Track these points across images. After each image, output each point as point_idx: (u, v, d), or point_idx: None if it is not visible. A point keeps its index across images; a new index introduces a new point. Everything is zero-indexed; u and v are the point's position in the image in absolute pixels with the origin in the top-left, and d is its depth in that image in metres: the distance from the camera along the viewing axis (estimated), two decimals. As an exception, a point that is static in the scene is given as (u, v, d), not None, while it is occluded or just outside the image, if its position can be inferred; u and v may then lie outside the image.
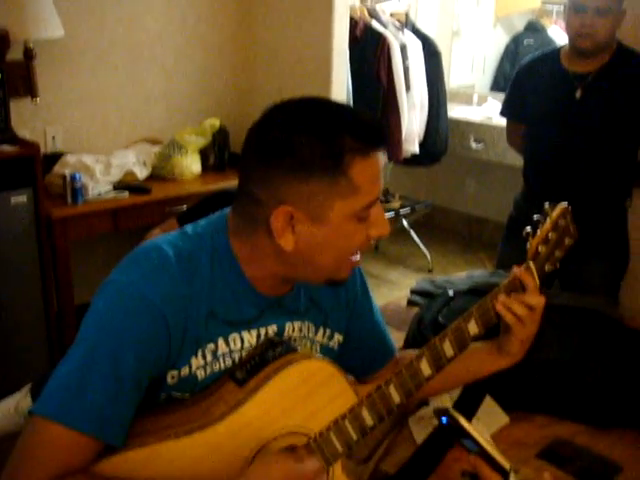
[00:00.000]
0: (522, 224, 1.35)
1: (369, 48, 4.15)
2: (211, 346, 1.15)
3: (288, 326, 1.24)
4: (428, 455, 1.56)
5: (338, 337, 1.35)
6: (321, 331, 1.31)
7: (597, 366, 1.76)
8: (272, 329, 1.22)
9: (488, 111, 4.68)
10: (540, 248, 1.30)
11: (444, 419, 0.87)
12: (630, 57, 2.60)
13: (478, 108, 4.87)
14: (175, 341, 1.10)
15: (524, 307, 1.25)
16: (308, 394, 1.14)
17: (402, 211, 4.48)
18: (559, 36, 5.10)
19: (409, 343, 1.91)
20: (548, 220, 1.31)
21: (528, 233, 1.31)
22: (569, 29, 2.57)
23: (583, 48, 2.54)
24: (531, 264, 1.28)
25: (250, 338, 1.19)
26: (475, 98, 5.02)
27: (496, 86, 5.40)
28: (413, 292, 2.35)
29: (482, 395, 1.65)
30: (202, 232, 1.19)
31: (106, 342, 1.06)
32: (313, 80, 3.75)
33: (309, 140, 1.07)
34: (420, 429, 1.66)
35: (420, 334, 1.85)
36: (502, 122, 4.18)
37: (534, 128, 2.76)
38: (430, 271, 4.45)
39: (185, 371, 1.13)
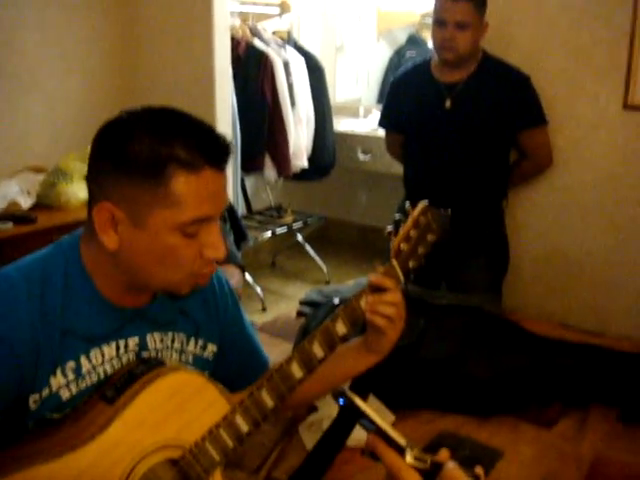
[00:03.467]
0: None
1: (252, 66, 4.18)
2: (71, 364, 1.13)
3: (150, 337, 1.23)
4: (319, 458, 1.58)
5: (212, 347, 1.35)
6: (193, 341, 1.31)
7: (478, 359, 1.83)
8: (133, 341, 1.21)
9: (374, 123, 4.78)
10: (402, 246, 1.33)
11: (341, 400, 0.88)
12: (495, 66, 2.72)
13: (364, 121, 4.97)
14: (28, 366, 1.08)
15: (388, 306, 1.27)
16: (179, 406, 1.14)
17: (295, 225, 4.52)
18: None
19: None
20: (409, 218, 1.35)
21: (390, 232, 1.34)
22: (433, 42, 2.68)
23: (446, 59, 2.65)
24: (394, 262, 1.32)
25: (110, 351, 1.17)
26: (361, 111, 5.12)
27: (382, 98, 5.53)
28: (302, 303, 2.38)
29: (365, 395, 1.68)
30: (57, 248, 1.18)
31: None
32: (196, 100, 3.75)
33: (140, 143, 1.07)
34: (310, 435, 1.68)
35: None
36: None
37: (410, 137, 2.86)
38: (327, 283, 4.50)
39: (46, 392, 1.11)
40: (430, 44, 5.43)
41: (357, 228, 5.24)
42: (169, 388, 1.13)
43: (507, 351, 1.87)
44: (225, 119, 3.89)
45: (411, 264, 1.35)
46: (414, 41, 5.59)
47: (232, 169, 4.02)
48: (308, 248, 4.71)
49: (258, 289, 4.22)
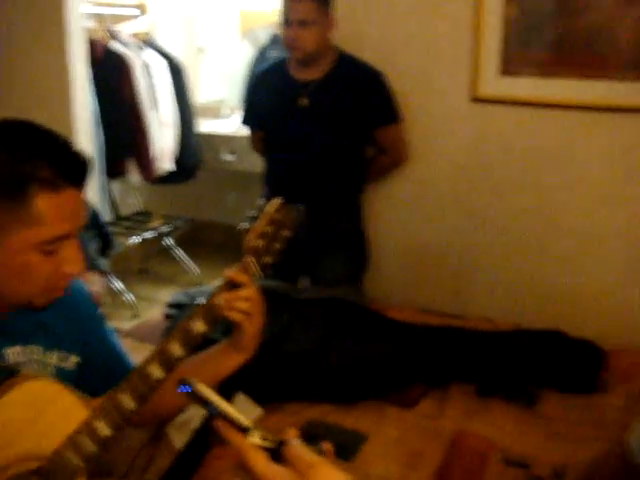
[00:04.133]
0: None
1: (111, 69, 4.08)
2: None
3: (9, 351, 1.20)
4: (189, 457, 1.59)
5: (74, 358, 1.33)
6: (53, 354, 1.29)
7: (341, 349, 1.89)
8: None
9: (238, 123, 4.80)
10: (257, 242, 1.36)
11: (184, 387, 0.89)
12: (352, 64, 2.80)
13: (228, 121, 4.98)
14: None
15: (245, 302, 1.29)
16: (35, 416, 1.12)
17: (163, 229, 4.46)
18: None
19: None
20: (263, 215, 1.38)
21: (245, 229, 1.37)
22: (283, 41, 2.74)
23: (296, 58, 2.71)
24: (249, 258, 1.34)
25: None
26: (225, 111, 5.12)
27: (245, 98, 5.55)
28: (169, 306, 2.37)
29: (231, 392, 1.70)
30: None
31: None
32: (53, 107, 3.64)
33: (1, 161, 1.05)
34: (180, 435, 1.68)
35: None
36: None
37: (269, 134, 2.90)
38: (199, 285, 4.47)
39: None
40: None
41: (226, 228, 5.24)
42: (23, 398, 1.11)
43: (369, 339, 1.94)
44: (83, 126, 3.79)
45: (267, 260, 1.38)
46: (277, 40, 5.63)
47: (95, 175, 3.93)
48: (178, 252, 4.67)
49: (129, 296, 4.14)
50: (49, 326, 1.29)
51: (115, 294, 4.11)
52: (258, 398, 1.77)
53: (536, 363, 2.06)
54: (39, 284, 1.13)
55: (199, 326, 1.27)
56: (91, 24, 4.12)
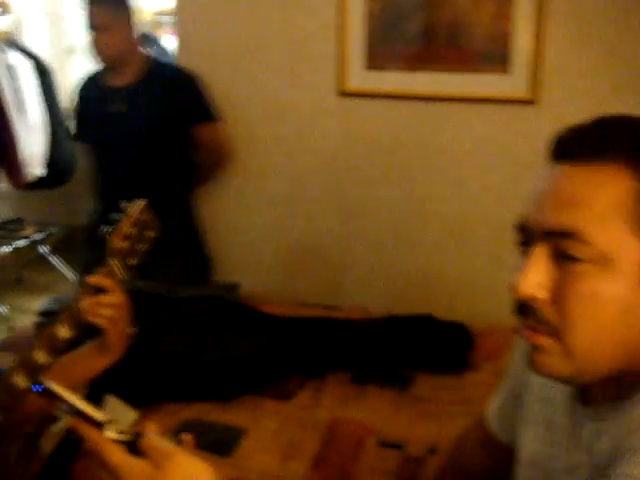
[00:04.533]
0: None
1: (-29, 72, 3.92)
2: None
3: None
4: (56, 463, 1.56)
5: None
6: None
7: (216, 346, 1.90)
8: None
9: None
10: (121, 244, 1.35)
11: (37, 387, 0.88)
12: (163, 67, 2.89)
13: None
14: None
15: (109, 308, 1.28)
16: None
17: (36, 237, 4.33)
18: (172, 45, 5.29)
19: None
20: (126, 217, 1.37)
21: (107, 232, 1.36)
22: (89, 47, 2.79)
23: (103, 63, 2.79)
24: (113, 261, 1.33)
25: None
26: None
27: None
28: (40, 313, 2.30)
29: (100, 396, 1.68)
30: None
31: None
32: None
33: None
34: (49, 441, 1.64)
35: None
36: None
37: (94, 143, 2.96)
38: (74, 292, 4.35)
39: None
40: (165, 41, 5.47)
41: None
42: None
43: (244, 334, 1.96)
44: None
45: (132, 261, 1.37)
46: (147, 39, 5.55)
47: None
48: (54, 259, 4.53)
49: (2, 308, 3.99)
50: None
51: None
52: (134, 401, 1.75)
53: (408, 347, 2.14)
54: None
55: (63, 332, 1.26)
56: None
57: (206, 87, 2.85)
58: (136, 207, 1.39)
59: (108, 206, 2.91)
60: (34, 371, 1.23)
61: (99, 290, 1.30)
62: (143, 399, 1.78)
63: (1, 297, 4.08)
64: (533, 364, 0.85)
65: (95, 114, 2.89)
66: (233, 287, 2.44)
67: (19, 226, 4.35)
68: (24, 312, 4.18)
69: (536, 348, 0.83)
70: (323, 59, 2.85)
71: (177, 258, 2.83)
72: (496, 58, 2.66)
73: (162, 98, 2.77)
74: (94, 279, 1.29)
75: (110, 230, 1.36)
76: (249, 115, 2.98)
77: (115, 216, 1.38)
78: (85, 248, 3.01)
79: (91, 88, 2.94)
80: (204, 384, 1.84)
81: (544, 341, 0.82)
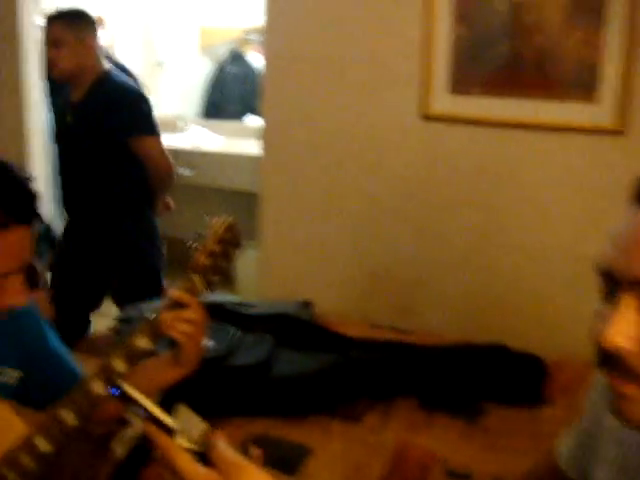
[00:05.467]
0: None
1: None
2: None
3: None
4: (130, 464, 1.60)
5: (13, 373, 1.33)
6: None
7: (286, 362, 1.91)
8: None
9: (194, 138, 4.82)
10: (204, 260, 1.37)
11: (113, 390, 0.91)
12: (110, 83, 3.02)
13: (185, 135, 4.99)
14: None
15: (187, 324, 1.31)
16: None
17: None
18: (259, 62, 5.39)
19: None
20: (211, 233, 1.40)
21: (193, 246, 1.39)
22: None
23: (56, 77, 3.02)
24: (194, 277, 1.36)
25: None
26: (182, 126, 5.13)
27: (204, 113, 5.57)
28: (119, 320, 2.37)
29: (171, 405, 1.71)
30: None
31: None
32: (7, 124, 3.63)
33: None
34: (121, 445, 1.68)
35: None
36: (210, 147, 4.37)
37: (55, 153, 3.22)
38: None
39: None
40: (250, 58, 5.58)
41: (181, 244, 5.21)
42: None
43: (315, 352, 1.97)
44: (37, 144, 3.81)
45: (214, 278, 1.40)
46: (236, 57, 5.68)
47: (50, 188, 3.91)
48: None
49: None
50: None
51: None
52: (202, 412, 1.77)
53: (480, 376, 2.11)
54: None
55: (143, 342, 1.30)
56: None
57: (149, 105, 3.10)
58: (221, 223, 1.42)
59: (71, 214, 3.15)
60: (112, 379, 1.27)
61: (179, 304, 1.33)
62: (212, 411, 1.80)
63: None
64: (619, 412, 0.82)
65: (55, 126, 3.16)
66: (306, 305, 2.45)
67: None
68: (101, 315, 4.28)
69: (622, 396, 0.81)
70: (406, 81, 2.85)
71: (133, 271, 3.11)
72: (584, 86, 2.61)
73: (102, 112, 2.93)
74: (176, 294, 1.33)
75: (195, 245, 1.39)
76: (329, 135, 3.00)
77: (200, 231, 1.41)
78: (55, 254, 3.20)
79: (59, 101, 3.19)
80: (272, 399, 1.85)
81: (631, 390, 0.79)
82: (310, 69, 2.96)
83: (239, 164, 4.51)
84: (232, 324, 2.06)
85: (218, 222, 1.42)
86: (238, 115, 5.32)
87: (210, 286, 1.40)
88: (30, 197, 1.13)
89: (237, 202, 4.72)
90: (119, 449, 1.64)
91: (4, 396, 1.28)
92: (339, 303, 3.04)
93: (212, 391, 1.77)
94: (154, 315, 1.32)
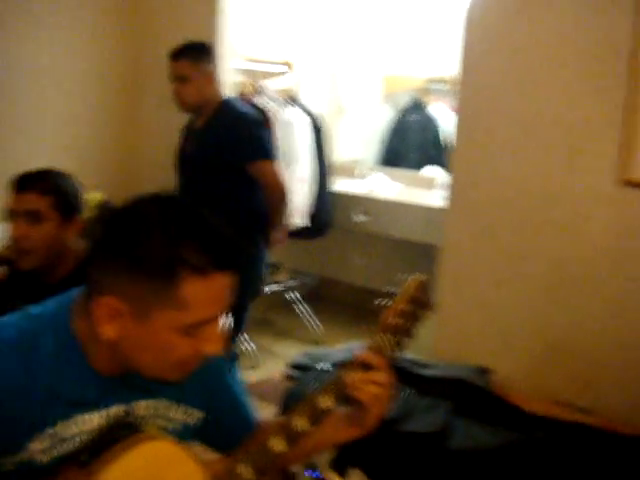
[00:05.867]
0: None
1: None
2: (51, 430, 1.11)
3: (137, 405, 1.21)
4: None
5: (197, 414, 1.32)
6: (177, 408, 1.29)
7: (462, 433, 1.80)
8: (120, 409, 1.18)
9: (373, 184, 4.81)
10: (395, 320, 1.31)
11: (312, 473, 0.86)
12: (229, 111, 3.20)
13: (363, 181, 4.99)
14: (6, 429, 1.07)
15: (375, 386, 1.25)
16: (154, 475, 1.11)
17: (290, 283, 4.50)
18: (440, 112, 5.34)
19: (281, 417, 1.90)
20: (403, 293, 1.33)
21: (382, 304, 1.33)
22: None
23: (182, 110, 3.22)
24: (383, 336, 1.29)
25: (95, 419, 1.16)
26: (360, 171, 5.15)
27: (383, 160, 5.57)
28: (292, 367, 2.35)
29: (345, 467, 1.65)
30: (45, 312, 1.16)
31: None
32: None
33: (149, 242, 1.05)
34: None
35: (289, 409, 1.84)
36: (386, 195, 4.35)
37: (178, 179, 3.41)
38: (317, 343, 4.45)
39: (21, 456, 1.09)
40: (432, 108, 5.55)
41: (352, 289, 5.22)
42: (145, 456, 1.11)
43: (494, 425, 1.84)
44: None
45: (403, 339, 1.33)
46: (417, 105, 5.66)
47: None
48: (301, 306, 4.68)
49: (250, 345, 4.17)
50: None
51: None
52: (373, 476, 1.70)
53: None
54: (174, 362, 1.12)
55: (327, 403, 1.24)
56: (240, 79, 4.29)
57: (267, 131, 3.31)
58: (413, 282, 1.35)
59: None
60: (293, 437, 1.22)
61: (366, 366, 1.27)
62: (383, 475, 1.72)
63: (249, 334, 4.26)
64: None
65: (179, 153, 3.33)
66: (483, 372, 2.33)
67: (275, 270, 4.54)
68: (266, 352, 4.34)
69: None
70: (606, 144, 2.69)
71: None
72: None
73: (221, 138, 3.09)
74: (364, 355, 1.26)
75: (385, 304, 1.33)
76: (518, 193, 2.88)
77: (391, 289, 1.35)
78: None
79: (184, 130, 3.36)
80: (448, 472, 1.74)
81: None
82: (503, 124, 2.87)
83: (414, 214, 4.44)
84: (405, 383, 1.97)
85: (409, 280, 1.35)
86: (416, 164, 5.27)
87: (399, 347, 1.33)
88: (231, 244, 1.11)
89: (409, 252, 4.65)
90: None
91: (187, 437, 1.27)
92: (514, 370, 2.87)
93: (384, 455, 1.69)
94: (339, 375, 1.27)
